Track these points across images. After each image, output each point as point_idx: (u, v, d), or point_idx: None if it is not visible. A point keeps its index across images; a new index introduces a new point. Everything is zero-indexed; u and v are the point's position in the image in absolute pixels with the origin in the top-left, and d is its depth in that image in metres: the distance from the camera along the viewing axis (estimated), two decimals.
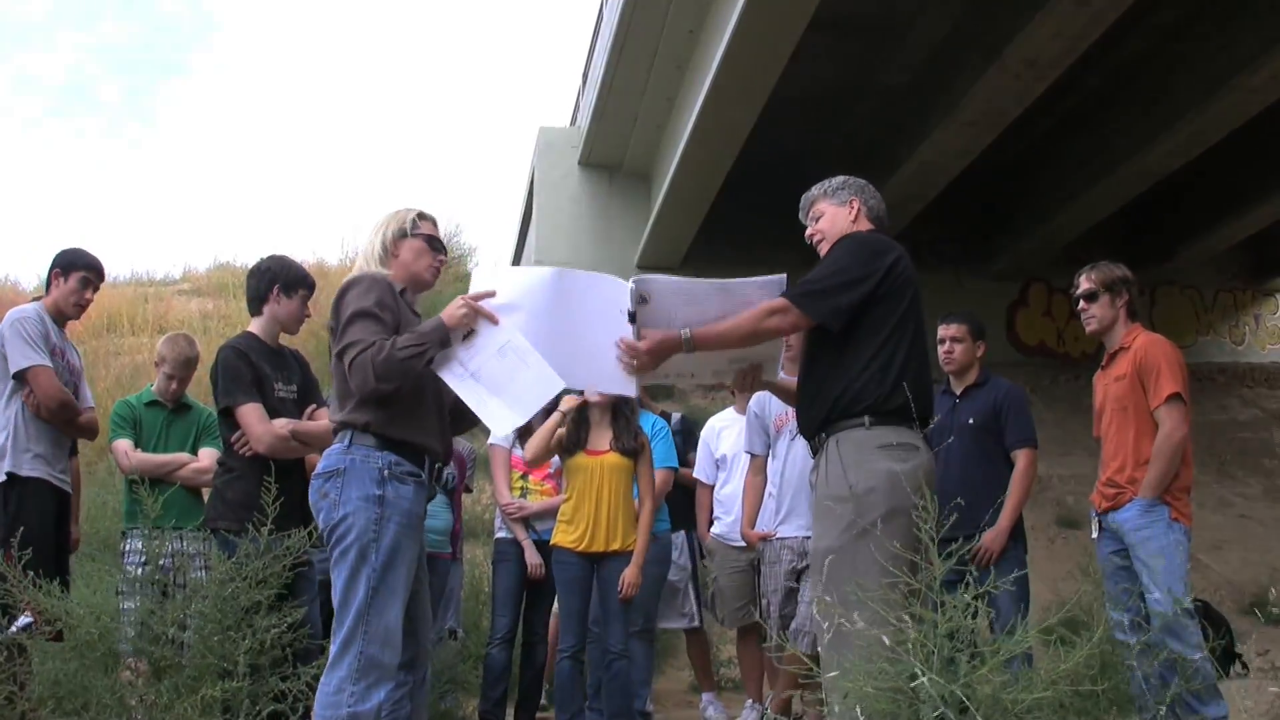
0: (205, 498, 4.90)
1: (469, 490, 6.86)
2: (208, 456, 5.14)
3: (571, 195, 15.50)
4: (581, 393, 5.17)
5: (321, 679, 3.28)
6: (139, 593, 4.39)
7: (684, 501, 6.26)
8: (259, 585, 3.91)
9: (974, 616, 2.97)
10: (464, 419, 3.71)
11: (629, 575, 5.18)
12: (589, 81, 15.01)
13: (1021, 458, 5.03)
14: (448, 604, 6.13)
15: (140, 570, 4.56)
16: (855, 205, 3.76)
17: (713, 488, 6.13)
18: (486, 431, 5.58)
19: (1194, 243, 16.30)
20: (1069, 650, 3.11)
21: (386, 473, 3.36)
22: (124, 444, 5.20)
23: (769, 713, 5.25)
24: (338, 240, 39.63)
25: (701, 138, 11.91)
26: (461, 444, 6.50)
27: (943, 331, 5.19)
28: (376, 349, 3.31)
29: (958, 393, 5.18)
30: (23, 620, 4.01)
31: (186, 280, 17.53)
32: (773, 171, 12.62)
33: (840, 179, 3.84)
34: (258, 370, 4.29)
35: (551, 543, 5.43)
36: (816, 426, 3.57)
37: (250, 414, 4.20)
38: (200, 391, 5.53)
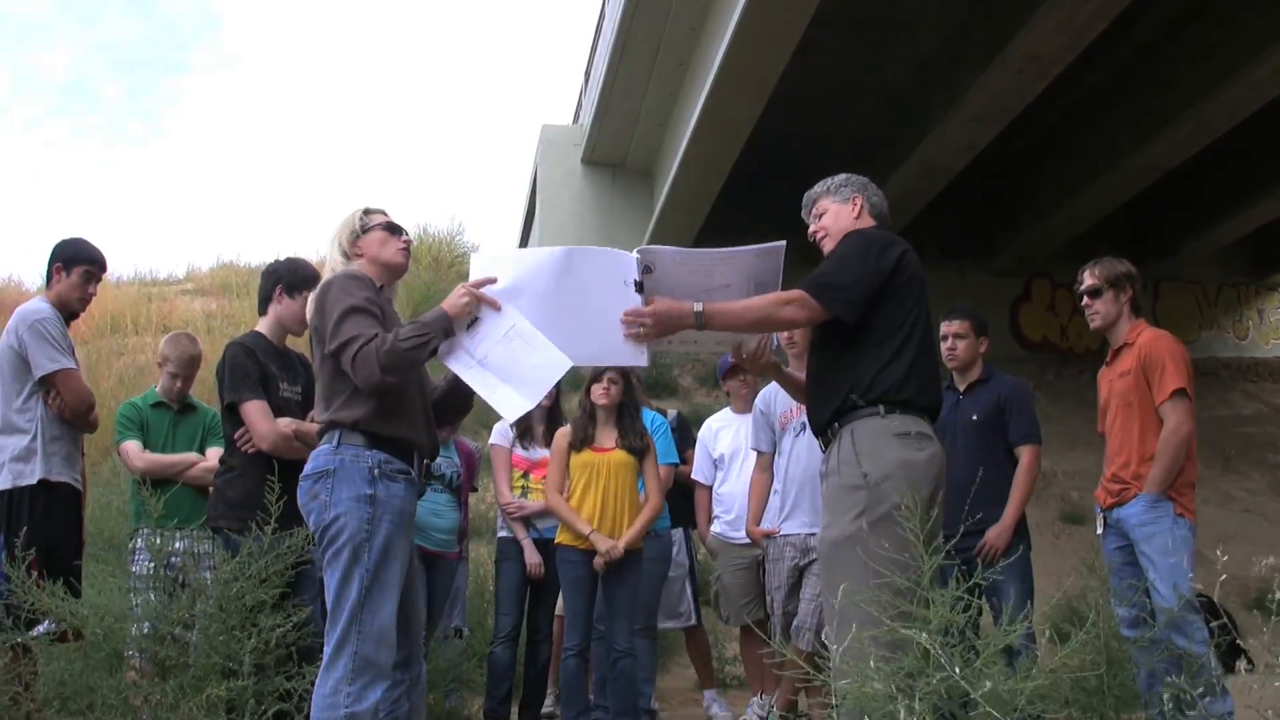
0: None
1: (474, 490, 6.86)
2: (215, 456, 5.13)
3: (574, 193, 15.52)
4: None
5: (317, 680, 3.28)
6: (151, 589, 4.39)
7: (682, 499, 6.26)
8: (263, 584, 3.91)
9: (977, 612, 2.97)
10: (446, 415, 3.73)
11: (613, 548, 5.18)
12: (591, 80, 15.02)
13: (1025, 454, 5.02)
14: (453, 603, 6.13)
15: (149, 568, 4.56)
16: (858, 202, 3.76)
17: (711, 488, 6.14)
18: (487, 430, 5.59)
19: (1198, 238, 16.29)
20: (1070, 644, 3.11)
21: (377, 471, 3.36)
22: (133, 445, 5.19)
23: (774, 710, 5.26)
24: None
25: (704, 135, 11.91)
26: (468, 443, 6.51)
27: (945, 328, 5.19)
28: (380, 341, 3.31)
29: (961, 389, 5.17)
30: (43, 626, 4.02)
31: (190, 280, 17.53)
32: (775, 169, 12.63)
33: (843, 177, 3.85)
34: (264, 368, 4.30)
35: (555, 541, 5.44)
36: (829, 418, 3.56)
37: (255, 411, 4.20)
38: (203, 391, 5.54)
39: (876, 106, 13.44)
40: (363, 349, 3.31)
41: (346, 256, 3.62)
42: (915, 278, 3.56)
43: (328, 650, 3.27)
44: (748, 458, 5.71)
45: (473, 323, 3.45)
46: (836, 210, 3.78)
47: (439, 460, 5.03)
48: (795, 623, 4.97)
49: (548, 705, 6.07)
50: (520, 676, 5.93)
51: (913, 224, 13.36)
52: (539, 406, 5.93)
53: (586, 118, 15.22)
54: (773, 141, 12.61)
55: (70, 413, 4.50)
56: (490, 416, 7.88)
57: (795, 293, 3.49)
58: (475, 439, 7.36)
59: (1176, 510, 4.41)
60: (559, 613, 5.85)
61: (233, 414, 4.29)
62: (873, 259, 3.51)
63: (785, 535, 5.20)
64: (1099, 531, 4.68)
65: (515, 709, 5.91)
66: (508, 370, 3.43)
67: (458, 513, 5.85)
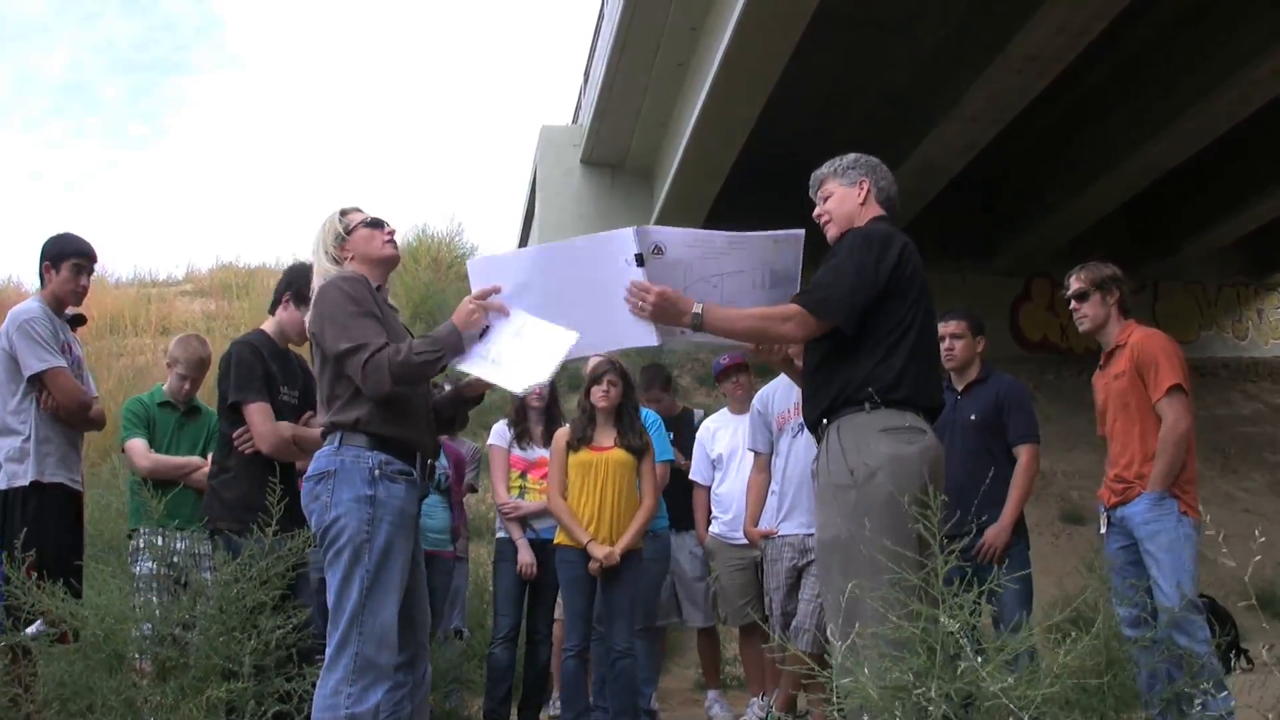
0: None
1: (474, 490, 6.86)
2: None
3: (574, 194, 15.51)
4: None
5: (318, 681, 3.28)
6: (154, 588, 4.38)
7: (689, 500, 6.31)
8: (263, 586, 3.90)
9: (977, 614, 2.96)
10: (439, 425, 3.75)
11: (609, 555, 5.18)
12: (591, 80, 15.00)
13: (1024, 454, 5.02)
14: (453, 604, 6.13)
15: (151, 568, 4.56)
16: (865, 186, 3.67)
17: (709, 488, 6.15)
18: (486, 430, 5.59)
19: (1197, 238, 16.28)
20: (1073, 646, 3.10)
21: (377, 472, 3.36)
22: (140, 444, 5.17)
23: (773, 710, 5.25)
24: None
25: (703, 136, 11.91)
26: (466, 443, 6.50)
27: (942, 329, 5.18)
28: (394, 351, 3.32)
29: (959, 389, 5.17)
30: (36, 626, 4.00)
31: (189, 281, 17.51)
32: (775, 169, 12.60)
33: (852, 157, 3.76)
34: (268, 369, 4.29)
35: (554, 541, 5.44)
36: (819, 415, 3.52)
37: (259, 412, 4.19)
38: (203, 392, 5.53)
39: (876, 107, 13.44)
40: (374, 357, 3.31)
41: (336, 261, 3.59)
42: (916, 273, 3.50)
43: (329, 651, 3.27)
44: (745, 458, 5.71)
45: (484, 330, 3.51)
46: (842, 195, 3.70)
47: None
48: (794, 623, 4.97)
49: (555, 708, 6.07)
50: (520, 677, 5.94)
51: (913, 224, 13.33)
52: (536, 408, 5.96)
53: (586, 118, 15.20)
54: (772, 142, 12.60)
55: (64, 412, 4.48)
56: (489, 417, 7.88)
57: (793, 308, 3.44)
58: (475, 439, 7.35)
59: (1180, 508, 4.41)
60: (559, 616, 5.85)
61: (232, 412, 4.29)
62: (871, 263, 3.43)
63: (783, 536, 5.19)
64: (1102, 531, 4.68)
65: (515, 709, 5.91)
66: (519, 358, 3.49)
67: (448, 512, 5.86)
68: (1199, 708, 3.84)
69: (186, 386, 5.33)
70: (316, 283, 3.60)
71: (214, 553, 4.28)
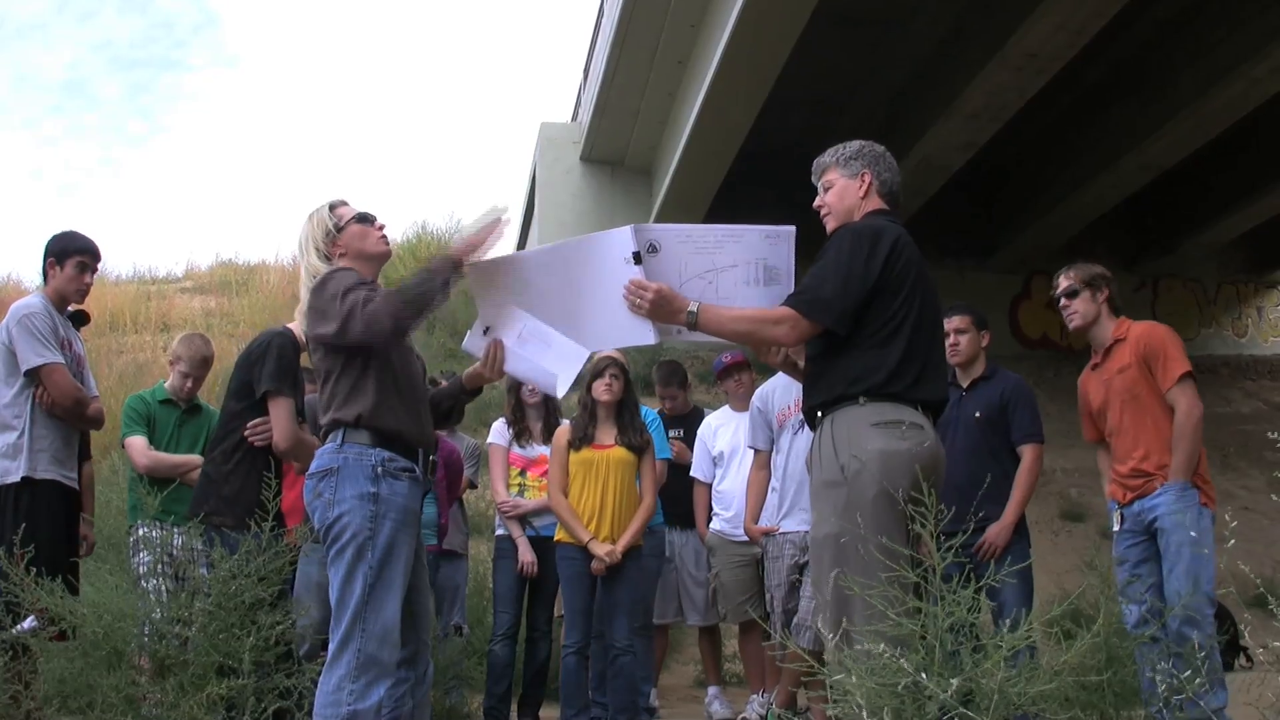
0: None
1: (473, 486, 6.86)
2: None
3: (573, 191, 15.52)
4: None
5: (320, 677, 3.28)
6: (156, 575, 4.38)
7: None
8: (262, 582, 3.90)
9: (976, 611, 2.96)
10: (448, 415, 3.79)
11: (610, 553, 5.20)
12: (590, 77, 15.00)
13: (1028, 453, 5.01)
14: (453, 601, 6.13)
15: (148, 564, 4.55)
16: (866, 179, 3.62)
17: (710, 485, 6.16)
18: (486, 428, 5.58)
19: (1197, 235, 16.29)
20: (1072, 643, 3.10)
21: (380, 470, 3.35)
22: (140, 441, 5.16)
23: (773, 707, 5.26)
24: None
25: (703, 133, 11.91)
26: (465, 439, 6.50)
27: (946, 325, 5.16)
28: (385, 293, 3.33)
29: (964, 385, 5.16)
30: (28, 622, 4.00)
31: (189, 278, 17.52)
32: (774, 166, 12.61)
33: (855, 146, 3.69)
34: (297, 369, 4.28)
35: (555, 539, 5.44)
36: (815, 408, 3.50)
37: (285, 408, 4.16)
38: (205, 392, 5.52)
39: (875, 104, 13.44)
40: (369, 305, 3.29)
41: (326, 258, 3.56)
42: (909, 267, 3.45)
43: (332, 647, 3.27)
44: (747, 455, 5.71)
45: (487, 330, 3.56)
46: (843, 186, 3.64)
47: None
48: (795, 620, 4.97)
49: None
50: (520, 674, 5.94)
51: (911, 222, 13.12)
52: (534, 404, 5.97)
53: (585, 115, 15.21)
54: (772, 139, 12.61)
55: (58, 409, 4.47)
56: (489, 414, 7.88)
57: (786, 311, 3.41)
58: (476, 436, 7.34)
59: (1201, 500, 4.42)
60: (559, 613, 5.86)
61: (239, 399, 4.25)
62: (860, 263, 3.38)
63: (784, 533, 5.20)
64: (1116, 529, 4.63)
65: (515, 706, 5.91)
66: (527, 370, 3.58)
67: (434, 507, 5.86)
68: (1196, 703, 3.84)
69: (189, 384, 5.31)
70: (306, 283, 3.57)
71: (211, 549, 4.27)
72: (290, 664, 3.90)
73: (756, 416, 5.44)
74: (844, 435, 3.34)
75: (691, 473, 6.24)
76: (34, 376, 4.44)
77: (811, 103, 13.18)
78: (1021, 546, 4.93)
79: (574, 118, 16.67)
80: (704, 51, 11.32)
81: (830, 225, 3.66)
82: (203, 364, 5.32)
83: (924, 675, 2.78)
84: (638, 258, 3.42)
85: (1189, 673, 3.63)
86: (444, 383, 4.17)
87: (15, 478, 4.39)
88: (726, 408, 6.32)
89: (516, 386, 5.95)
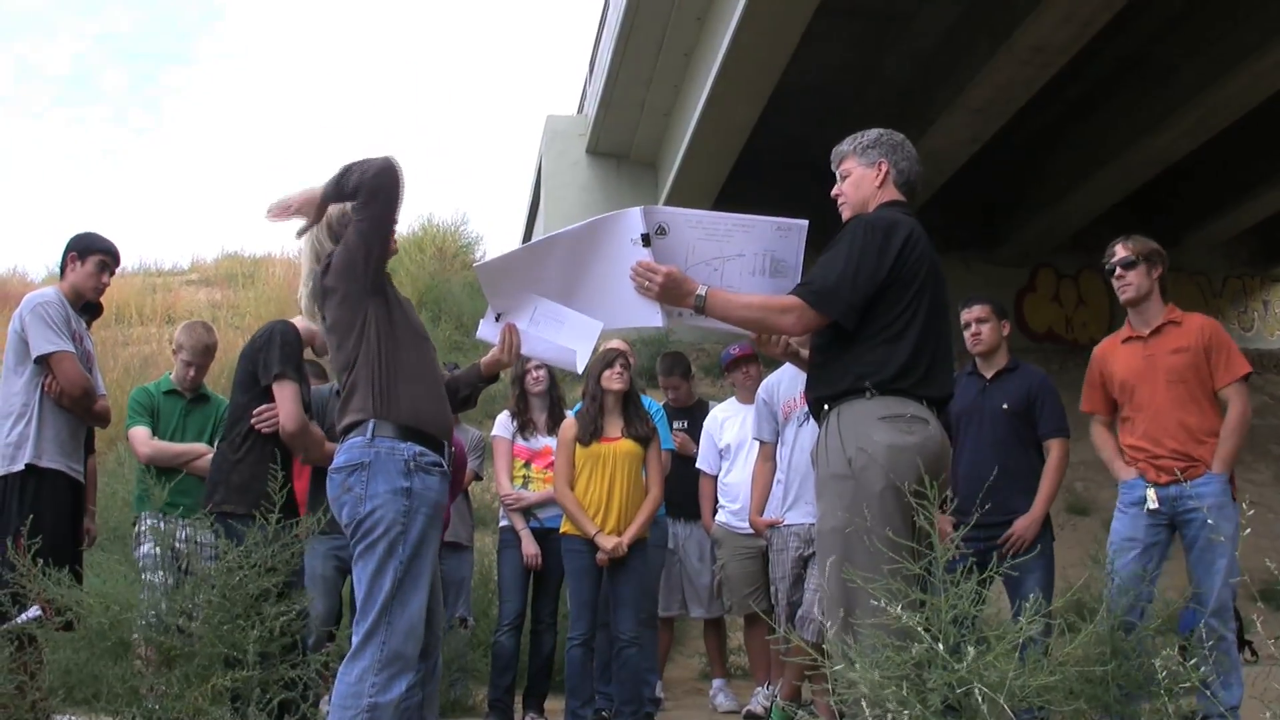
0: None
1: (478, 478, 6.87)
2: None
3: (579, 183, 15.50)
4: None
5: (341, 668, 3.26)
6: (159, 566, 4.39)
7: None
8: (268, 573, 3.90)
9: (981, 603, 2.95)
10: (465, 401, 3.85)
11: (617, 547, 5.21)
12: (596, 70, 14.99)
13: (1055, 447, 5.02)
14: (458, 593, 6.14)
15: (153, 551, 4.56)
16: (883, 168, 3.60)
17: (715, 477, 6.16)
18: (491, 420, 5.58)
19: (1202, 229, 16.26)
20: (1075, 636, 3.10)
21: (412, 464, 3.31)
22: (141, 431, 5.18)
23: (778, 700, 5.26)
24: None
25: (709, 125, 11.90)
26: (471, 431, 6.51)
27: (966, 315, 5.16)
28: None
29: (988, 375, 5.15)
30: (31, 611, 4.00)
31: (194, 270, 17.55)
32: (780, 159, 12.62)
33: (874, 134, 3.66)
34: (301, 359, 4.28)
35: (561, 531, 5.44)
36: (821, 400, 3.48)
37: (291, 392, 4.13)
38: (212, 380, 5.53)
39: (881, 97, 13.41)
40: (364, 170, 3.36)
41: (336, 239, 3.53)
42: (921, 261, 3.43)
43: (355, 639, 3.24)
44: (753, 448, 5.71)
45: (498, 317, 3.62)
46: (859, 175, 3.62)
47: None
48: (800, 613, 4.97)
49: None
50: (524, 666, 5.95)
51: (917, 215, 13.30)
52: (538, 395, 5.98)
53: (591, 108, 15.20)
54: (777, 132, 12.59)
55: (66, 398, 4.48)
56: (494, 406, 7.89)
57: (793, 301, 3.39)
58: (482, 428, 7.35)
59: (1233, 495, 4.50)
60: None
61: (245, 391, 4.25)
62: (872, 257, 3.36)
63: (789, 525, 5.19)
64: (1153, 506, 4.55)
65: (520, 697, 5.92)
66: (544, 349, 3.66)
67: None
68: (1209, 695, 3.82)
69: (192, 373, 5.32)
70: (310, 267, 3.58)
71: (216, 541, 4.28)
72: (295, 655, 3.90)
73: (762, 408, 5.43)
74: (851, 428, 3.32)
75: (698, 464, 6.25)
76: (44, 364, 4.46)
77: (817, 95, 13.15)
78: (1046, 542, 4.93)
79: (580, 110, 16.65)
80: (710, 44, 11.30)
81: (846, 214, 3.64)
82: (205, 352, 5.33)
83: (926, 668, 2.78)
84: (646, 240, 3.43)
85: (1209, 665, 3.61)
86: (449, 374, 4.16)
87: (20, 465, 4.40)
88: (733, 400, 6.31)
89: (520, 378, 5.95)
